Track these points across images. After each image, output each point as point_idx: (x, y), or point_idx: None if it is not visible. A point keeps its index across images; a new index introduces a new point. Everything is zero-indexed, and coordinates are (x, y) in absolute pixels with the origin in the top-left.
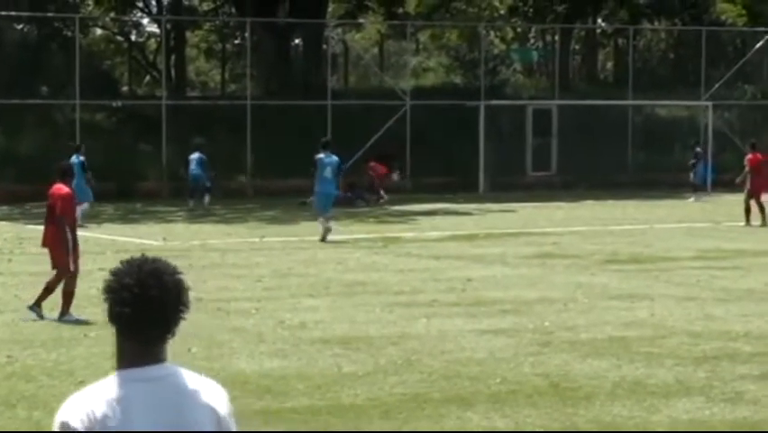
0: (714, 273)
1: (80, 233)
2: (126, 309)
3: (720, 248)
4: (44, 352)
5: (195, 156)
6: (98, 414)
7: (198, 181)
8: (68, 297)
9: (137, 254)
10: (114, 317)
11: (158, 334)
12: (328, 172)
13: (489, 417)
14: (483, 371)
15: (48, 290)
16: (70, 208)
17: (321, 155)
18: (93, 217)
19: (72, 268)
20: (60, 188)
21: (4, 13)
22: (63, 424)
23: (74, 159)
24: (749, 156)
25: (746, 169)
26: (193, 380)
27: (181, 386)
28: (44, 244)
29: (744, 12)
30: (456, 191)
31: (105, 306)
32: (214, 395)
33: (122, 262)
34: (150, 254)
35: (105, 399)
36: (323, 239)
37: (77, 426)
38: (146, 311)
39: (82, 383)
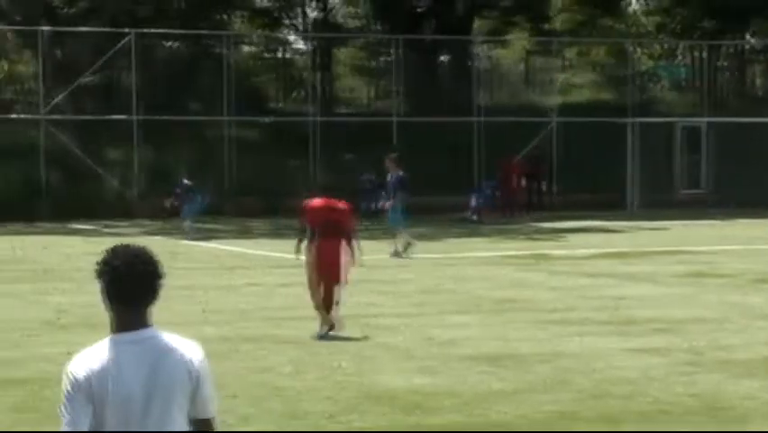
0: None
1: (247, 249)
2: (118, 284)
3: None
4: None
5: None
6: (97, 368)
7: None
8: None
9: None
10: (109, 292)
11: (144, 302)
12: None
13: None
14: (634, 390)
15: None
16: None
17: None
18: (244, 233)
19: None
20: (336, 202)
21: (154, 30)
22: (71, 373)
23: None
24: None
25: None
26: (173, 340)
27: (161, 345)
28: (323, 259)
29: None
30: (604, 209)
31: (100, 286)
32: (190, 353)
33: (106, 251)
34: (126, 242)
35: (102, 357)
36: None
37: (80, 376)
38: (134, 284)
39: (234, 397)
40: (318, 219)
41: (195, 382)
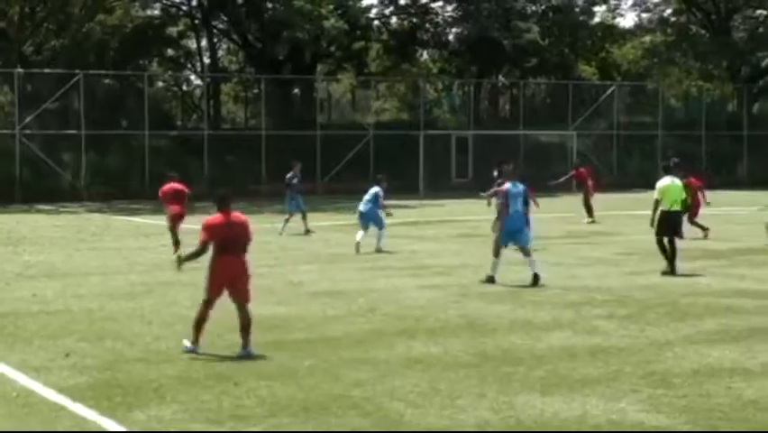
0: (577, 247)
1: (159, 222)
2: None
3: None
4: (124, 301)
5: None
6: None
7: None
8: None
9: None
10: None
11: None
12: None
13: (426, 345)
14: (424, 313)
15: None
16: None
17: (376, 189)
18: (157, 211)
19: None
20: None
21: (94, 71)
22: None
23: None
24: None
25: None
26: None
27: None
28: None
29: (596, 71)
30: (404, 192)
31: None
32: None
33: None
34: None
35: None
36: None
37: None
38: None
39: (150, 323)
40: (219, 235)
41: None
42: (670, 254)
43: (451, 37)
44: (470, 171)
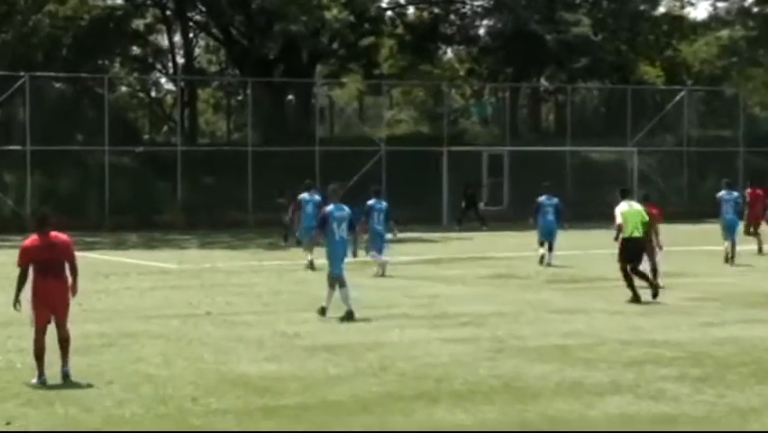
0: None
1: (123, 258)
2: None
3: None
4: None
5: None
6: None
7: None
8: None
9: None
10: None
11: None
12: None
13: (452, 412)
14: (447, 372)
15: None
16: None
17: (371, 201)
18: (120, 245)
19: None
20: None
21: (43, 73)
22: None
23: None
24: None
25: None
26: None
27: None
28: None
29: (661, 73)
30: (422, 222)
31: None
32: None
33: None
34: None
35: None
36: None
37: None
38: None
39: (111, 383)
40: (37, 257)
41: None
42: (644, 280)
43: (481, 31)
44: (506, 197)
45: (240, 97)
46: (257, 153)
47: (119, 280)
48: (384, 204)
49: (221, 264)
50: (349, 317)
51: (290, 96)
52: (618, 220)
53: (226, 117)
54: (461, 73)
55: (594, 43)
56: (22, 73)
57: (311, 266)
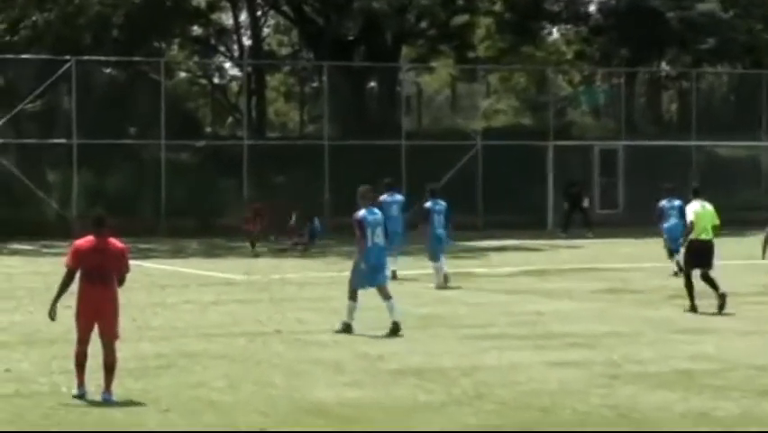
0: None
1: (181, 268)
2: None
3: None
4: (131, 380)
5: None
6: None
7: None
8: None
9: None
10: None
11: None
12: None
13: None
14: (553, 402)
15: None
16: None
17: (428, 203)
18: (178, 252)
19: None
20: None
21: (91, 57)
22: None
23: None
24: None
25: None
26: None
27: None
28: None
29: None
30: (524, 228)
31: None
32: None
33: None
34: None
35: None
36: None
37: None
38: None
39: (167, 411)
40: (88, 260)
41: None
42: (713, 288)
43: (592, 8)
44: (621, 198)
45: (314, 84)
46: (334, 148)
47: (177, 292)
48: (443, 204)
49: (292, 275)
50: (395, 330)
51: (372, 83)
52: (690, 217)
53: (299, 107)
54: (569, 56)
55: (723, 22)
56: (67, 57)
57: (393, 276)
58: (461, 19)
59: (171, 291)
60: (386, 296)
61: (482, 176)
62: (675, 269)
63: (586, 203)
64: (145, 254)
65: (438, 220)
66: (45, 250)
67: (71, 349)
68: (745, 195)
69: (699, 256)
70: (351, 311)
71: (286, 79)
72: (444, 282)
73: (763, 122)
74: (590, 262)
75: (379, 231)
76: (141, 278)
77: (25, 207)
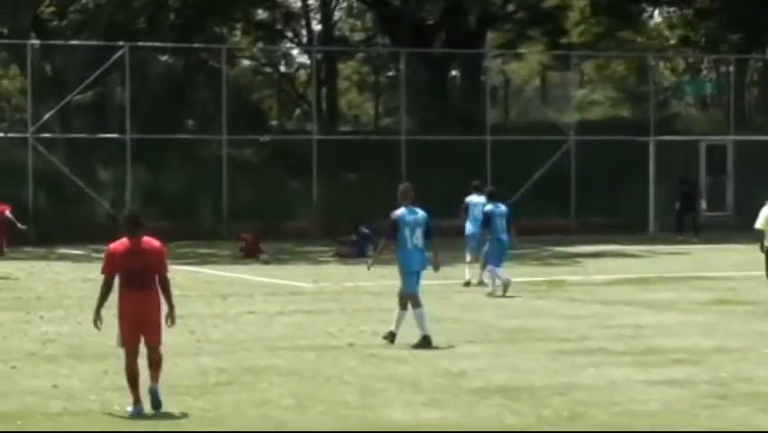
0: None
1: (244, 275)
2: None
3: None
4: (190, 398)
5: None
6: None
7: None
8: None
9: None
10: None
11: None
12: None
13: None
14: (656, 424)
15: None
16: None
17: (489, 207)
18: (240, 258)
19: None
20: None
21: (147, 43)
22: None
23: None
24: None
25: None
26: None
27: None
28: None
29: None
30: (622, 232)
31: None
32: None
33: None
34: None
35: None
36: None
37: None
38: None
39: None
40: (124, 265)
41: None
42: None
43: None
44: (731, 199)
45: (391, 73)
46: (412, 143)
47: (240, 302)
48: (503, 207)
49: (367, 283)
50: (425, 343)
51: (454, 72)
52: (758, 224)
53: (373, 98)
54: (672, 42)
55: None
56: (120, 43)
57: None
58: (553, 0)
59: (233, 301)
60: (416, 304)
61: (576, 174)
62: None
63: (703, 204)
64: (205, 260)
65: (500, 224)
66: (95, 255)
67: (123, 363)
68: None
69: None
70: (421, 320)
71: (359, 68)
72: (503, 291)
73: None
74: (696, 270)
75: (419, 232)
76: (201, 286)
77: (74, 208)
